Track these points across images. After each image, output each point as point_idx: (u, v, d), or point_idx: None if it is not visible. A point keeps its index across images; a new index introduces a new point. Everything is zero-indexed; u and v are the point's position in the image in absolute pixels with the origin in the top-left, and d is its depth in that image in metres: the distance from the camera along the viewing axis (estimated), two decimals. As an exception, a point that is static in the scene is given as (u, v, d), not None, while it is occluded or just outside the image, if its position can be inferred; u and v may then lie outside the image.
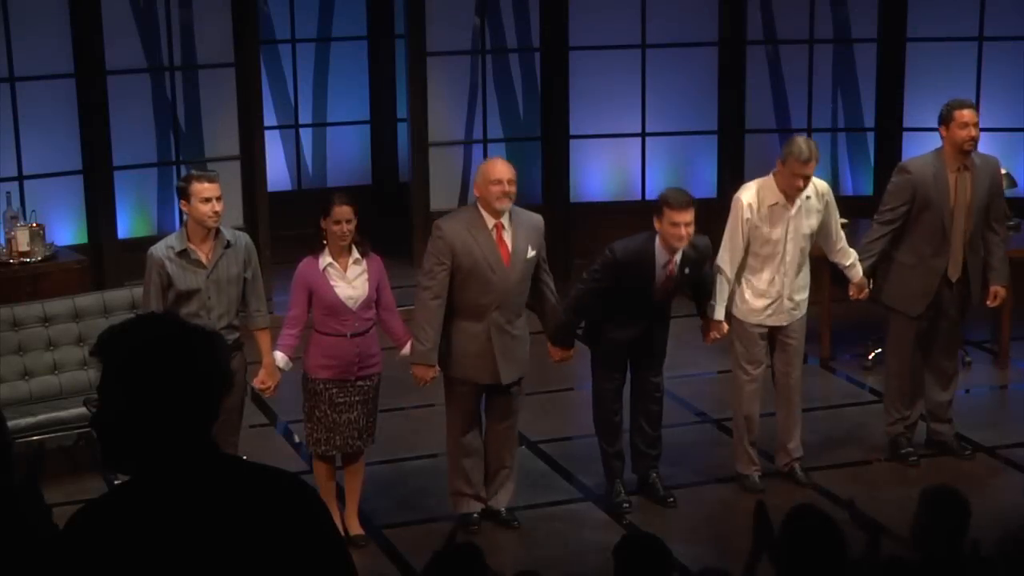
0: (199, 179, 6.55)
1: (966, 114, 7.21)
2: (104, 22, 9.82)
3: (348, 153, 12.17)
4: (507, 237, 6.62)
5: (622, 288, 6.79)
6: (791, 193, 6.97)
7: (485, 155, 10.97)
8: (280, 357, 6.63)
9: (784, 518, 4.36)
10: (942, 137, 7.28)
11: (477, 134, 10.97)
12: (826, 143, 11.06)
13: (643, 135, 10.98)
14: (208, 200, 6.49)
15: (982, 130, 10.41)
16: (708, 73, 10.93)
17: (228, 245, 6.62)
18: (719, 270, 7.06)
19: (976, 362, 9.16)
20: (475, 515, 6.89)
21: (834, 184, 11.03)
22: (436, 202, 10.85)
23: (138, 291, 8.13)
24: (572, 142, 10.97)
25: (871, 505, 6.08)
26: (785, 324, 7.16)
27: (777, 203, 7.00)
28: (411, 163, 10.92)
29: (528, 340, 6.84)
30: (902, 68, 10.80)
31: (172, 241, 6.62)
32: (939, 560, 4.50)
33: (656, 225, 6.73)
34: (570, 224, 10.95)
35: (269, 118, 11.12)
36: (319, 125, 12.02)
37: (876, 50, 10.86)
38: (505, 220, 6.62)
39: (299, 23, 11.82)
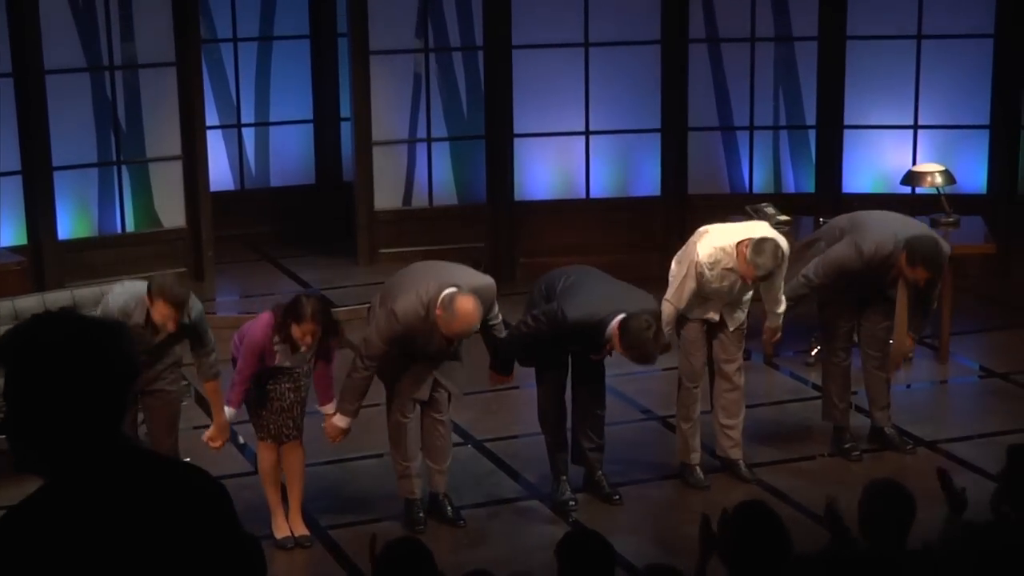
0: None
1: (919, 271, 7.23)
2: (42, 20, 9.72)
3: (291, 152, 12.10)
4: None
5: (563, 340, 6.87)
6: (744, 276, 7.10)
7: (429, 154, 10.95)
8: (231, 413, 6.69)
9: (730, 515, 4.38)
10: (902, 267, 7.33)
11: (421, 133, 10.95)
12: (768, 140, 11.13)
13: (587, 133, 11.00)
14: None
15: (921, 127, 10.71)
16: (651, 71, 10.95)
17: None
18: (667, 303, 7.14)
19: (917, 357, 9.20)
20: (421, 514, 6.88)
21: (776, 182, 11.12)
22: (380, 201, 10.82)
23: (79, 292, 8.07)
24: (516, 140, 10.96)
25: (815, 501, 6.12)
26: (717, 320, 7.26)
27: (732, 268, 7.08)
28: (355, 162, 10.88)
29: (465, 364, 6.91)
30: (842, 66, 10.88)
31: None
32: (884, 554, 4.54)
33: None
34: (514, 223, 10.96)
35: (211, 117, 11.04)
36: (261, 124, 11.95)
37: (817, 48, 10.94)
38: None
39: (241, 22, 11.74)
